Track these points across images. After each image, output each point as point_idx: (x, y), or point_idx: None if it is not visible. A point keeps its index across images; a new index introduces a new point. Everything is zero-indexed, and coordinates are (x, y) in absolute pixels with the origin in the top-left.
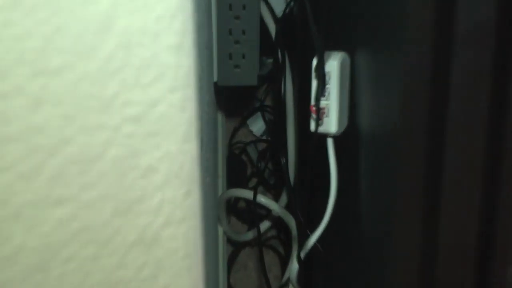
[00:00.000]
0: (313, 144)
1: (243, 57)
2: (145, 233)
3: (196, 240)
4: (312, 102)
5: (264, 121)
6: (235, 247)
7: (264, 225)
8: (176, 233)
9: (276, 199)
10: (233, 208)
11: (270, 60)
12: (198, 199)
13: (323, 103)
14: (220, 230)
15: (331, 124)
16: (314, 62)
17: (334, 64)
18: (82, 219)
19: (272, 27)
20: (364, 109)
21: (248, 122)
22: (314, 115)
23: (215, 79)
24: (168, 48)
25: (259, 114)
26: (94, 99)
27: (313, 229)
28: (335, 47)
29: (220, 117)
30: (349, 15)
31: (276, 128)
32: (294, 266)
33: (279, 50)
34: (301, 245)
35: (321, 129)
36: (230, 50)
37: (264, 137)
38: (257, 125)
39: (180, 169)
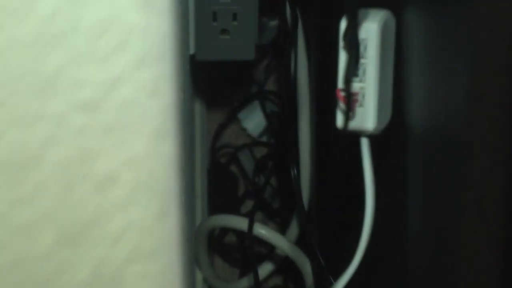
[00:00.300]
0: (340, 146)
1: (234, 17)
2: (101, 271)
3: (173, 281)
4: (340, 85)
5: (264, 115)
6: None
7: (265, 269)
8: (144, 272)
9: (283, 230)
10: (218, 243)
11: (274, 22)
12: (177, 223)
13: (356, 86)
14: (199, 276)
15: (368, 117)
16: (343, 24)
17: (372, 28)
18: (13, 249)
19: None
20: (418, 96)
21: (241, 116)
22: (342, 104)
23: (192, 50)
24: (132, 3)
25: (256, 104)
26: (28, 78)
27: (337, 274)
28: (374, 3)
29: (199, 108)
30: None
31: (282, 124)
32: None
33: (287, 6)
34: None
35: (353, 125)
36: (214, 7)
37: (264, 139)
38: (254, 121)
39: (151, 179)
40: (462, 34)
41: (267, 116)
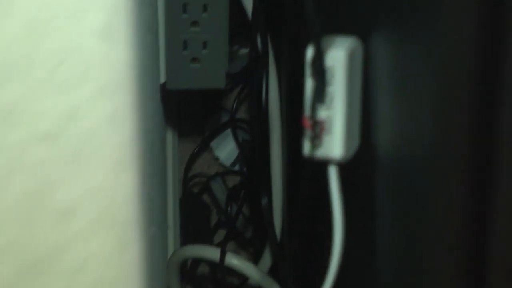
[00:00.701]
0: (308, 175)
1: (204, 45)
2: None
3: None
4: (306, 112)
5: (237, 143)
6: None
7: None
8: None
9: (255, 260)
10: (190, 274)
11: (244, 50)
12: (139, 257)
13: (323, 113)
14: None
15: (335, 145)
16: (309, 52)
17: (339, 56)
18: None
19: (248, 1)
20: (385, 123)
21: (213, 145)
22: (309, 132)
23: (162, 79)
24: (93, 32)
25: (228, 132)
26: None
27: None
28: (342, 30)
29: (170, 137)
30: None
31: (254, 153)
32: None
33: (258, 35)
34: None
35: (320, 153)
36: (185, 35)
37: (236, 168)
38: (226, 150)
39: (112, 210)
40: (429, 59)
41: (239, 144)
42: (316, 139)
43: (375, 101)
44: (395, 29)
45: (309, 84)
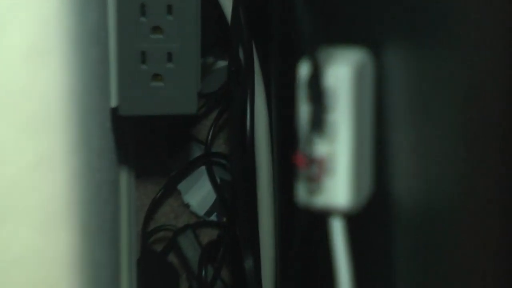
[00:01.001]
0: (302, 229)
1: (169, 58)
2: None
3: None
4: (301, 146)
5: (213, 186)
6: None
7: None
8: None
9: None
10: None
11: (222, 63)
12: None
13: (322, 149)
14: None
15: (339, 190)
16: (304, 68)
17: (344, 73)
18: None
19: (227, 1)
20: (405, 162)
21: (181, 188)
22: (304, 173)
23: (114, 103)
24: (14, 52)
25: (202, 171)
26: None
27: None
28: (345, 38)
29: (125, 178)
30: None
31: (236, 198)
32: None
33: (240, 44)
34: None
35: (320, 201)
36: (143, 45)
37: (212, 218)
38: (199, 194)
39: (40, 283)
40: (455, 81)
41: (217, 187)
42: (314, 183)
43: (391, 133)
44: (416, 39)
45: (304, 110)
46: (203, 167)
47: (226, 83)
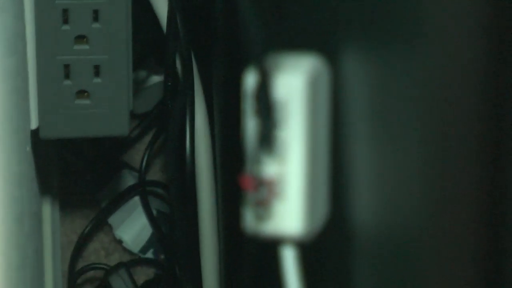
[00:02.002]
0: (249, 260)
1: (96, 72)
2: None
3: None
4: (248, 167)
5: (149, 219)
6: None
7: None
8: None
9: None
10: None
11: (157, 78)
12: None
13: (272, 169)
14: None
15: (291, 215)
16: (250, 78)
17: (296, 84)
18: None
19: (161, 4)
20: (364, 182)
21: (113, 221)
22: (252, 196)
23: (34, 124)
24: None
25: (136, 202)
26: None
27: None
28: (297, 44)
29: (48, 211)
30: None
31: (175, 231)
32: None
33: (177, 55)
34: None
35: (269, 227)
36: (66, 57)
37: (149, 255)
38: (133, 228)
39: None
40: (419, 85)
41: (153, 220)
42: (263, 207)
43: (349, 150)
44: (376, 43)
45: (251, 125)
46: (137, 198)
47: (161, 101)
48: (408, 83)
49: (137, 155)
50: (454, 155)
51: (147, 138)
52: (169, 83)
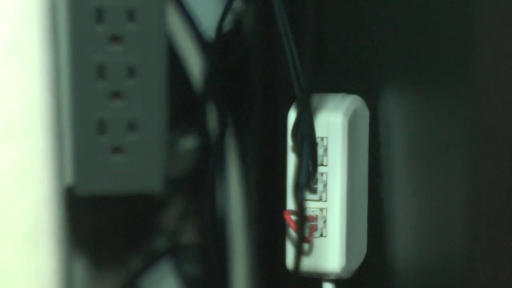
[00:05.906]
0: None
1: (132, 127)
2: None
3: None
4: (289, 205)
5: (181, 284)
6: None
7: None
8: None
9: None
10: None
11: (190, 144)
12: None
13: (313, 206)
14: None
15: (332, 253)
16: (292, 116)
17: (336, 122)
18: None
19: (195, 60)
20: (405, 222)
21: (144, 286)
22: (293, 234)
23: (69, 180)
24: None
25: (167, 267)
26: None
27: None
28: (338, 86)
29: (80, 273)
30: (371, 19)
31: None
32: None
33: (217, 110)
34: None
35: (310, 265)
36: (100, 112)
37: None
38: None
39: None
40: (459, 120)
41: (186, 285)
42: (304, 244)
43: (389, 189)
44: (417, 86)
45: (291, 163)
46: (169, 262)
47: (195, 167)
48: (454, 124)
49: (169, 216)
50: (497, 196)
51: (180, 202)
52: (204, 145)
